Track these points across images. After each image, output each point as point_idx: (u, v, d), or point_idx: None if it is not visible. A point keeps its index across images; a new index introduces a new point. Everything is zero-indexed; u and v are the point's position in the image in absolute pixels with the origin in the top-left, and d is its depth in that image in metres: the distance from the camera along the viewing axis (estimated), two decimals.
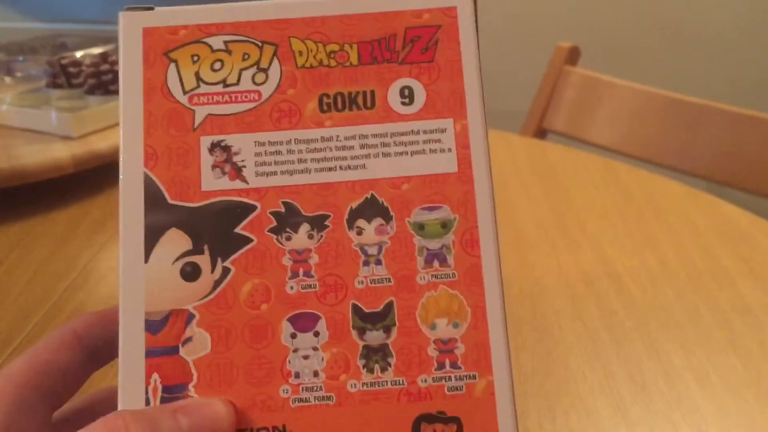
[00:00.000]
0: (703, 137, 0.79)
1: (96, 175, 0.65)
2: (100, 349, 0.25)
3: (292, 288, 0.24)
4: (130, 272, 0.23)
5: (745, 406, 0.39)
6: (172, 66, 0.25)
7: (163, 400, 0.23)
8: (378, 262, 0.24)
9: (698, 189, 0.65)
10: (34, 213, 0.61)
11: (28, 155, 0.62)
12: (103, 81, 0.72)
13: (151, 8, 0.25)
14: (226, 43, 0.25)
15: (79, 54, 0.76)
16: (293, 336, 0.23)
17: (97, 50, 0.77)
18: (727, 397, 0.39)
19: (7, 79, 0.81)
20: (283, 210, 0.24)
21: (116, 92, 0.72)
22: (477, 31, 0.25)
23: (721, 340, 0.44)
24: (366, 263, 0.24)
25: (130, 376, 0.23)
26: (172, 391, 0.23)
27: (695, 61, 1.55)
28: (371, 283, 0.24)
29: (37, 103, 0.72)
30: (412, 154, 0.25)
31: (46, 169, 0.61)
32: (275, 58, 0.25)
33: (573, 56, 0.91)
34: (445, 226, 0.24)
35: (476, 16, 0.25)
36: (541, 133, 0.92)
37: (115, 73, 0.73)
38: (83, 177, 0.64)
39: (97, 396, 0.27)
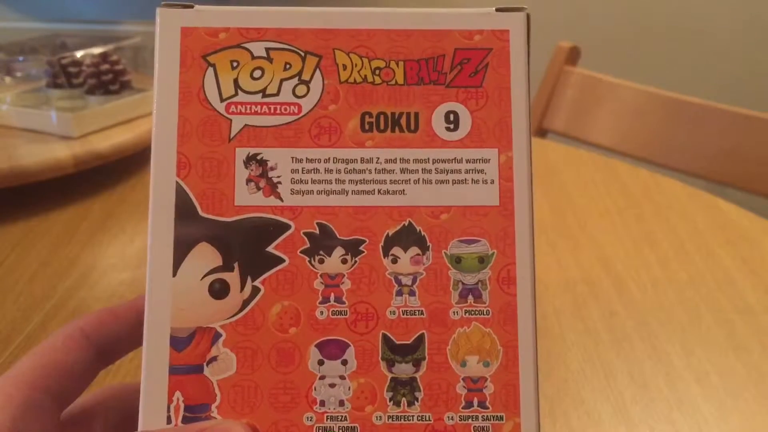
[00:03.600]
0: (703, 137, 0.79)
1: (96, 175, 0.65)
2: (107, 347, 0.25)
3: (322, 313, 0.23)
4: (157, 285, 0.23)
5: (745, 407, 0.39)
6: (210, 71, 0.24)
7: (185, 420, 0.22)
8: (411, 293, 0.23)
9: (698, 189, 0.65)
10: (34, 213, 0.61)
11: (29, 155, 0.62)
12: (103, 81, 0.72)
13: (191, 6, 0.24)
14: (267, 50, 0.24)
15: (79, 54, 0.76)
16: (321, 363, 0.23)
17: (97, 50, 0.77)
18: (727, 398, 0.39)
19: (7, 79, 0.81)
20: (317, 232, 0.23)
21: (116, 92, 0.72)
22: (528, 57, 0.24)
23: (721, 340, 0.44)
24: (399, 293, 0.23)
25: (152, 393, 0.22)
26: (195, 411, 0.22)
27: (695, 61, 1.55)
28: (403, 314, 0.23)
29: (37, 103, 0.72)
30: (453, 183, 0.24)
31: (46, 169, 0.61)
32: (318, 70, 0.24)
33: (573, 56, 0.91)
34: (483, 261, 0.23)
35: (529, 41, 0.24)
36: (541, 133, 0.92)
37: (116, 73, 0.73)
38: (84, 177, 0.64)
39: (104, 394, 0.26)
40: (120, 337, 0.25)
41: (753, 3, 1.50)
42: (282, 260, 0.23)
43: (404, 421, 0.23)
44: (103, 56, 0.74)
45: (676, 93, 0.82)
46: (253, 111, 0.24)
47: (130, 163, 0.68)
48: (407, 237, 0.23)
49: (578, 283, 0.50)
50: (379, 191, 0.24)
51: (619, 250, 0.55)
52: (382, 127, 0.24)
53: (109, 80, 0.72)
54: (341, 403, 0.23)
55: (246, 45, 0.24)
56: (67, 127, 0.67)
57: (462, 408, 0.23)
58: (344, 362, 0.23)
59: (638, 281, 0.51)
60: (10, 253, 0.54)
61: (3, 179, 0.60)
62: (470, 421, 0.23)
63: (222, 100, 0.24)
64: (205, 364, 0.23)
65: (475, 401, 0.23)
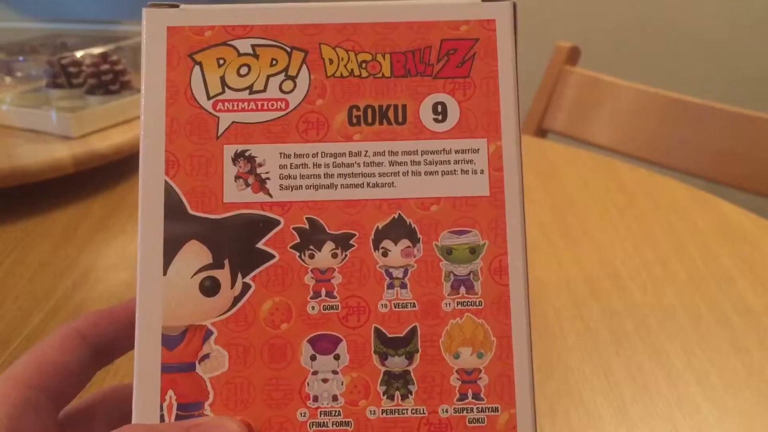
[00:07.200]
0: (703, 137, 0.79)
1: (96, 175, 0.65)
2: (104, 347, 0.25)
3: (313, 308, 0.23)
4: (148, 284, 0.23)
5: (745, 407, 0.39)
6: (197, 69, 0.24)
7: (178, 418, 0.22)
8: (403, 286, 0.23)
9: (698, 189, 0.65)
10: (34, 213, 0.60)
11: (28, 155, 0.62)
12: (103, 81, 0.72)
13: (176, 6, 0.24)
14: (253, 47, 0.24)
15: (79, 54, 0.76)
16: (313, 358, 0.23)
17: (97, 50, 0.77)
18: (727, 398, 0.39)
19: (7, 79, 0.81)
20: (307, 226, 0.23)
21: (116, 92, 0.72)
22: (516, 46, 0.24)
23: (721, 341, 0.44)
24: (390, 286, 0.23)
25: (145, 392, 0.22)
26: (188, 409, 0.22)
27: (695, 61, 1.55)
28: (395, 307, 0.23)
29: (37, 103, 0.72)
30: (442, 174, 0.24)
31: (46, 169, 0.61)
32: (304, 65, 0.24)
33: (573, 56, 0.91)
34: (474, 251, 0.23)
35: (516, 30, 0.24)
36: (541, 133, 0.92)
37: (116, 73, 0.73)
38: (83, 177, 0.64)
39: (103, 394, 0.26)
40: (116, 338, 0.25)
41: (753, 3, 1.50)
42: (272, 256, 0.23)
43: (398, 414, 0.23)
44: (103, 56, 0.74)
45: (676, 93, 0.82)
46: (240, 108, 0.24)
47: (130, 163, 0.68)
48: (397, 229, 0.23)
49: (578, 283, 0.50)
50: (368, 184, 0.24)
51: (619, 250, 0.55)
52: (369, 120, 0.24)
53: (109, 80, 0.72)
54: (334, 398, 0.23)
55: (232, 42, 0.24)
56: (66, 127, 0.67)
57: (456, 400, 0.23)
58: (337, 357, 0.23)
59: (638, 281, 0.51)
60: (10, 253, 0.54)
61: (3, 179, 0.60)
62: (465, 413, 0.23)
63: (209, 97, 0.24)
64: (197, 362, 0.23)
65: (470, 393, 0.23)
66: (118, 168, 0.67)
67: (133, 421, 0.22)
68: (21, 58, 0.84)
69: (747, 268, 0.52)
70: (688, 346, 0.43)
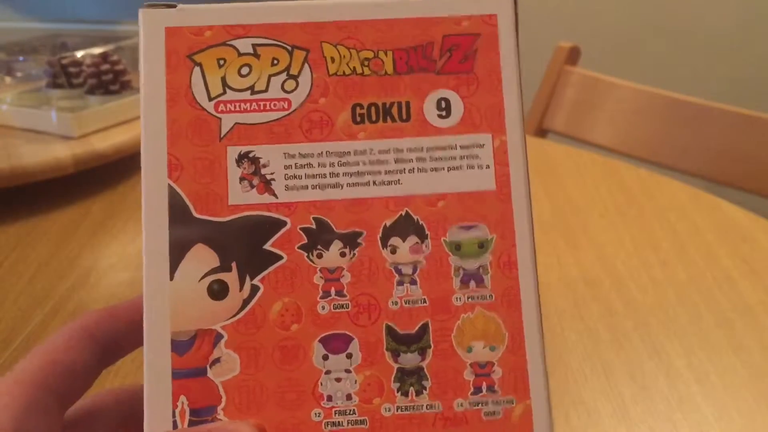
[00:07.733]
0: (703, 137, 0.79)
1: (96, 175, 0.65)
2: (110, 346, 0.25)
3: (323, 308, 0.23)
4: (155, 290, 0.23)
5: (745, 406, 0.39)
6: (197, 70, 0.24)
7: (191, 424, 0.22)
8: (413, 282, 0.23)
9: (698, 189, 0.65)
10: (34, 213, 0.61)
11: (29, 155, 0.62)
12: (103, 81, 0.72)
13: (174, 5, 0.24)
14: (254, 46, 0.24)
15: (79, 54, 0.76)
16: (325, 358, 0.23)
17: (97, 50, 0.77)
18: (727, 397, 0.39)
19: (7, 79, 0.81)
20: (314, 226, 0.23)
21: (116, 92, 0.72)
22: (517, 40, 0.24)
23: (721, 340, 0.44)
24: (400, 283, 0.23)
25: (156, 399, 0.22)
26: (201, 414, 0.22)
27: (695, 61, 1.55)
28: (406, 303, 0.23)
29: (37, 103, 0.72)
30: (448, 170, 0.24)
31: (46, 169, 0.61)
32: (306, 64, 0.24)
33: (573, 56, 0.91)
34: (483, 246, 0.23)
35: (517, 24, 0.24)
36: (541, 133, 0.92)
37: (116, 73, 0.73)
38: (84, 177, 0.64)
39: (106, 395, 0.26)
40: (122, 336, 0.25)
41: (752, 3, 1.50)
42: (280, 257, 0.23)
43: (413, 411, 0.23)
44: (104, 56, 0.74)
45: (676, 93, 0.82)
46: (242, 108, 0.24)
47: (130, 163, 0.68)
48: (405, 226, 0.23)
49: (578, 283, 0.50)
50: (374, 182, 0.24)
51: (619, 250, 0.55)
52: (373, 118, 0.24)
53: (110, 80, 0.73)
54: (348, 397, 0.23)
55: (232, 42, 0.24)
56: (67, 127, 0.67)
57: (471, 394, 0.23)
58: (349, 356, 0.23)
59: (638, 281, 0.51)
60: (10, 253, 0.54)
61: (3, 179, 0.60)
62: (480, 406, 0.23)
63: (210, 99, 0.24)
64: (208, 366, 0.22)
65: (484, 386, 0.23)
66: (118, 168, 0.67)
67: (146, 429, 0.22)
68: (21, 58, 0.84)
69: (747, 267, 0.52)
70: (687, 345, 0.44)
